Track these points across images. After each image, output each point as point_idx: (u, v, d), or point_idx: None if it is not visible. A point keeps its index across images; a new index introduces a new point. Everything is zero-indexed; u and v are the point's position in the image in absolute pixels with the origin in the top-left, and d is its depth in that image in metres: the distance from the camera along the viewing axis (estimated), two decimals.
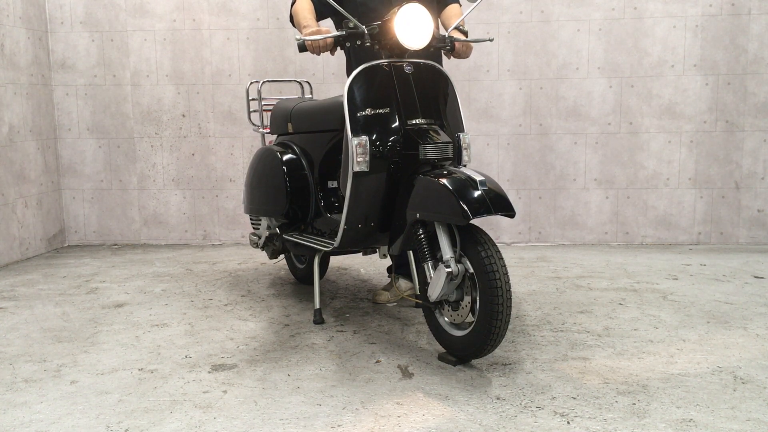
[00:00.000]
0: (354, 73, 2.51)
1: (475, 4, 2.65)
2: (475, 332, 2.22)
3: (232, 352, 2.52)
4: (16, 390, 2.21)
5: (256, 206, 3.23)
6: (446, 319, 2.38)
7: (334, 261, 4.01)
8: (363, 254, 2.97)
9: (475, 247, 2.18)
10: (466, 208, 2.12)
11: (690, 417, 1.93)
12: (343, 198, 2.52)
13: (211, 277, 3.69)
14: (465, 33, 2.77)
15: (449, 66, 4.19)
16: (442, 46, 2.62)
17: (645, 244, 4.41)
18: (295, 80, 3.72)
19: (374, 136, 2.44)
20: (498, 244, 4.42)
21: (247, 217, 4.54)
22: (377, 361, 2.41)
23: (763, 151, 4.29)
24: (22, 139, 4.22)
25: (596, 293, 3.25)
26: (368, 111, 2.46)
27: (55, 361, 2.47)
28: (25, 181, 4.25)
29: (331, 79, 4.47)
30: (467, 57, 2.78)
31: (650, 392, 2.10)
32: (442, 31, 2.85)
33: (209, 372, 2.33)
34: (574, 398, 2.07)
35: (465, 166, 2.51)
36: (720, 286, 3.35)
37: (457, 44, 2.67)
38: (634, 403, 2.02)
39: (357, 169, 2.43)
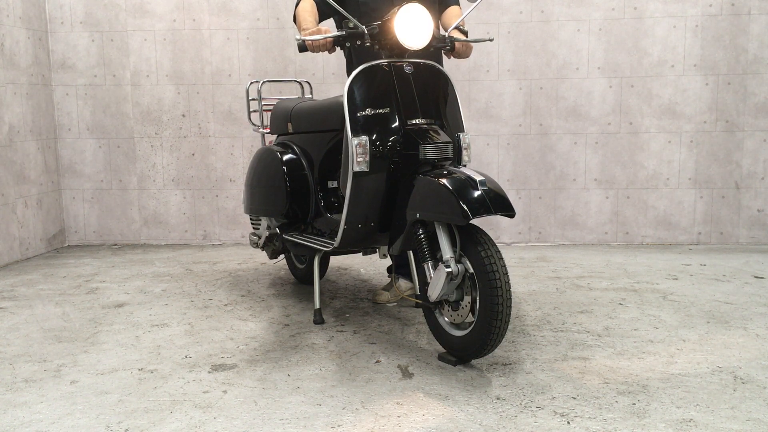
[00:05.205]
0: (354, 73, 2.51)
1: (475, 4, 2.65)
2: (475, 332, 2.22)
3: (232, 352, 2.52)
4: (16, 390, 2.21)
5: (256, 206, 3.23)
6: (446, 319, 2.38)
7: (334, 261, 4.01)
8: (363, 254, 2.97)
9: (475, 247, 2.18)
10: (465, 208, 2.12)
11: (690, 417, 1.93)
12: (343, 198, 2.52)
13: (211, 277, 3.69)
14: (465, 33, 2.77)
15: (449, 66, 4.19)
16: (442, 46, 2.62)
17: (645, 244, 4.41)
18: (295, 80, 3.72)
19: (374, 136, 2.44)
20: (498, 244, 4.42)
21: (247, 217, 4.54)
22: (377, 361, 2.41)
23: (763, 151, 4.29)
24: (22, 139, 4.22)
25: (596, 293, 3.25)
26: (368, 111, 2.46)
27: (55, 361, 2.47)
28: (25, 181, 4.25)
29: (331, 79, 4.47)
30: (467, 57, 2.78)
31: (650, 392, 2.10)
32: (442, 32, 2.85)
33: (209, 372, 2.33)
34: (574, 398, 2.07)
35: (465, 166, 2.51)
36: (720, 286, 3.35)
37: (457, 44, 2.67)
38: (634, 403, 2.02)
39: (357, 169, 2.43)
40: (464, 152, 2.57)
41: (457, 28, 2.73)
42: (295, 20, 2.87)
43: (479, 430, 1.87)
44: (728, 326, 2.72)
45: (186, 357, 2.48)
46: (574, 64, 4.32)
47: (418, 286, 3.06)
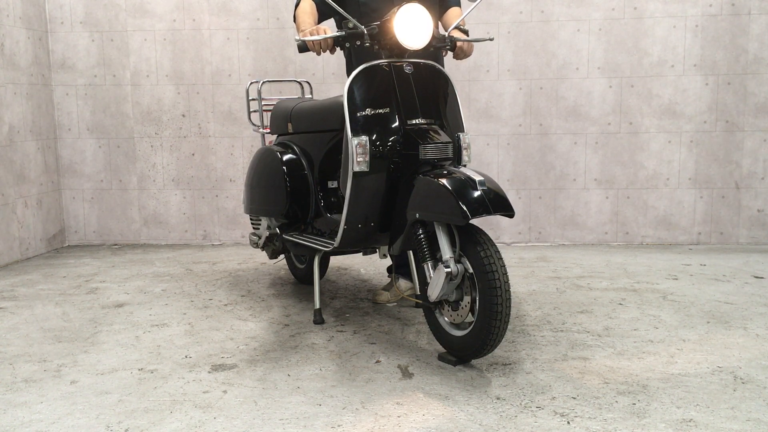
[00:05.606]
0: (354, 73, 2.51)
1: (475, 3, 2.66)
2: (474, 332, 2.22)
3: (232, 352, 2.52)
4: (16, 390, 2.21)
5: (256, 206, 3.23)
6: (446, 319, 2.38)
7: (334, 261, 4.01)
8: (363, 254, 2.97)
9: (475, 247, 2.18)
10: (465, 209, 2.12)
11: (690, 417, 1.93)
12: (343, 198, 2.52)
13: (211, 277, 3.69)
14: (465, 32, 2.77)
15: (449, 66, 4.19)
16: (442, 46, 2.62)
17: (645, 244, 4.41)
18: (295, 80, 3.72)
19: (374, 136, 2.45)
20: (498, 244, 4.42)
21: (247, 217, 4.54)
22: (377, 361, 2.41)
23: (763, 151, 4.29)
24: (22, 139, 4.22)
25: (596, 293, 3.25)
26: (368, 111, 2.46)
27: (55, 361, 2.47)
28: (25, 181, 4.25)
29: (331, 79, 4.47)
30: (468, 56, 2.78)
31: (650, 392, 2.10)
32: (442, 31, 2.85)
33: (209, 372, 2.33)
34: (574, 398, 2.07)
35: (465, 166, 2.51)
36: (720, 286, 3.35)
37: (458, 43, 2.67)
38: (634, 403, 2.02)
39: (357, 169, 2.43)
40: (464, 152, 2.57)
41: (457, 27, 2.73)
42: (295, 21, 2.87)
43: (479, 430, 1.87)
44: (728, 326, 2.72)
45: (186, 357, 2.48)
46: (574, 64, 4.32)
47: (418, 286, 3.06)
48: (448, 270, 2.22)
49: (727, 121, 4.29)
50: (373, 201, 2.51)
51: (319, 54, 2.57)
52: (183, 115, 4.57)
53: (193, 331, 2.78)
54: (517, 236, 4.50)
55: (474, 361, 2.37)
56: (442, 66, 2.93)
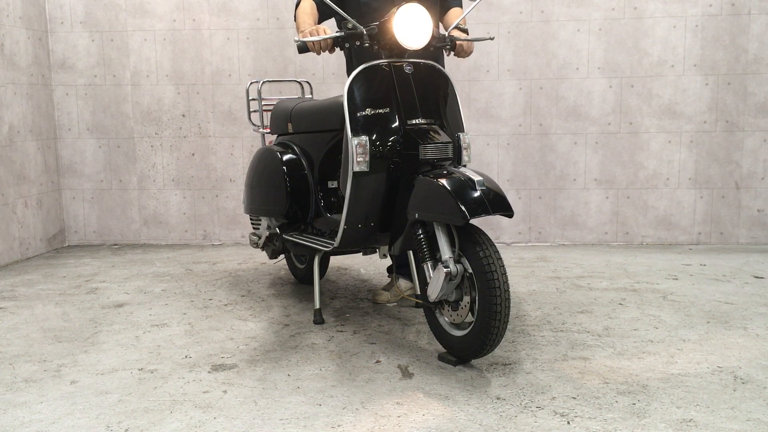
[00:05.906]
0: (354, 73, 2.51)
1: (475, 3, 2.66)
2: (474, 332, 2.22)
3: (232, 352, 2.52)
4: (16, 390, 2.21)
5: (256, 206, 3.24)
6: (446, 319, 2.38)
7: (334, 261, 4.01)
8: (363, 254, 2.97)
9: (474, 247, 2.18)
10: (464, 209, 2.12)
11: (690, 417, 1.93)
12: (343, 198, 2.52)
13: (211, 277, 3.69)
14: (465, 31, 2.77)
15: (449, 66, 4.20)
16: (442, 46, 2.62)
17: (645, 244, 4.41)
18: (295, 80, 3.72)
19: (374, 136, 2.45)
20: (498, 244, 4.42)
21: (247, 217, 4.54)
22: (377, 361, 2.41)
23: (763, 151, 4.29)
24: (22, 139, 4.22)
25: (596, 293, 3.25)
26: (368, 111, 2.46)
27: (55, 361, 2.47)
28: (25, 181, 4.25)
29: (331, 79, 4.47)
30: (469, 54, 2.78)
31: (650, 392, 2.10)
32: (442, 31, 2.85)
33: (209, 372, 2.33)
34: (574, 398, 2.07)
35: (465, 166, 2.51)
36: (720, 286, 3.35)
37: (458, 43, 2.67)
38: (634, 403, 2.02)
39: (357, 169, 2.43)
40: (464, 152, 2.57)
41: (457, 27, 2.73)
42: (295, 21, 2.87)
43: (479, 430, 1.87)
44: (728, 326, 2.72)
45: (186, 357, 2.48)
46: (574, 64, 4.32)
47: (418, 286, 3.06)
48: (447, 270, 2.22)
49: (727, 121, 4.29)
50: (373, 201, 2.51)
51: (319, 54, 2.57)
52: (183, 115, 4.57)
53: (193, 331, 2.78)
54: (517, 236, 4.50)
55: (474, 361, 2.37)
56: (443, 66, 2.93)
